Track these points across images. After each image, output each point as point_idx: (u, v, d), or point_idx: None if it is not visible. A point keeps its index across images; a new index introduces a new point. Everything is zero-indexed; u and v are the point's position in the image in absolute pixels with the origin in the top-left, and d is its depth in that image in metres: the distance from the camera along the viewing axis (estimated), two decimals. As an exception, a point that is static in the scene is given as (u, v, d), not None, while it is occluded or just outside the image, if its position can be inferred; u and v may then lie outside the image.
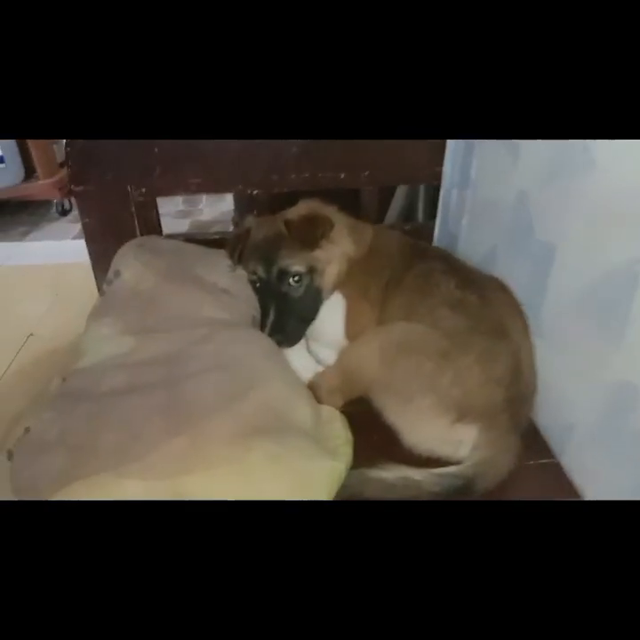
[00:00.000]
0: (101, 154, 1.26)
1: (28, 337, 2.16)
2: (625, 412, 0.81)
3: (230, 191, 1.50)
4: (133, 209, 1.32)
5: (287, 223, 1.11)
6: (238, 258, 1.18)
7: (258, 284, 1.16)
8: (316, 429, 0.95)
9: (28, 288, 2.55)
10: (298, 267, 1.11)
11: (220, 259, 1.22)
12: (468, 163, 1.26)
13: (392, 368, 0.97)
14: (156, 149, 1.25)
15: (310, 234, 1.10)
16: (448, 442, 0.93)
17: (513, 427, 0.94)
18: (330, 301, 1.16)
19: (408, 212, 1.79)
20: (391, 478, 0.86)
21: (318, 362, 1.16)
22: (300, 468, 0.84)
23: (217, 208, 3.19)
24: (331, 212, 1.17)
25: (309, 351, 1.19)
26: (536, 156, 1.00)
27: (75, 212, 2.93)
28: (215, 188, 1.34)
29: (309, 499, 0.82)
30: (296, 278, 1.11)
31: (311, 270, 1.12)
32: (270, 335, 1.09)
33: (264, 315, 1.13)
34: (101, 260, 1.28)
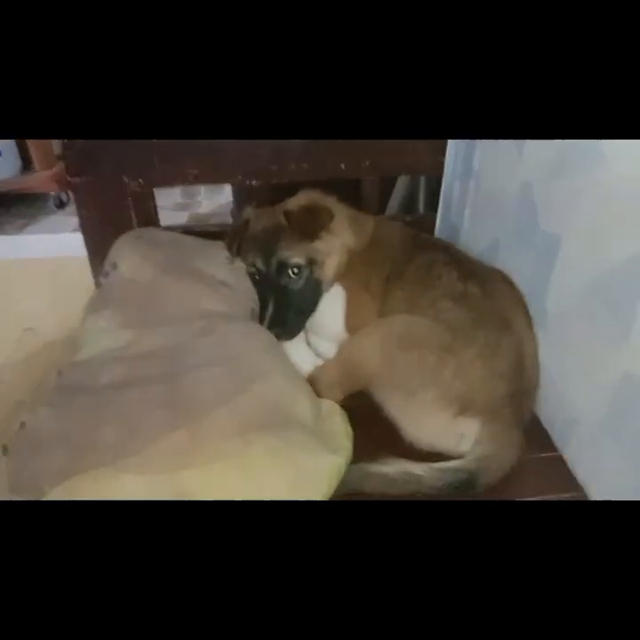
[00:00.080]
0: (98, 145, 1.24)
1: (25, 331, 2.15)
2: (631, 405, 0.80)
3: (229, 182, 1.48)
4: (130, 200, 1.30)
5: (286, 214, 1.10)
6: (237, 250, 1.17)
7: (257, 277, 1.14)
8: (316, 424, 0.94)
9: (26, 282, 2.53)
10: (297, 258, 1.09)
11: (219, 251, 1.20)
12: (470, 153, 1.25)
13: (393, 361, 0.96)
14: (154, 140, 1.23)
15: (310, 225, 1.09)
16: (450, 436, 0.92)
17: (515, 421, 0.93)
18: (330, 294, 1.15)
19: (409, 203, 1.78)
20: (392, 473, 0.85)
21: (318, 355, 1.15)
22: (300, 463, 0.83)
23: (216, 200, 3.16)
24: (331, 202, 1.16)
25: (309, 344, 1.17)
26: (542, 148, 0.98)
27: (73, 205, 2.90)
28: (213, 178, 1.33)
29: (309, 493, 0.82)
30: (295, 270, 1.10)
31: (311, 262, 1.10)
32: (269, 328, 1.08)
33: (263, 307, 1.12)
34: (98, 252, 1.26)
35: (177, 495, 0.77)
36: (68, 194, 3.03)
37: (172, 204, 3.15)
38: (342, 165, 1.31)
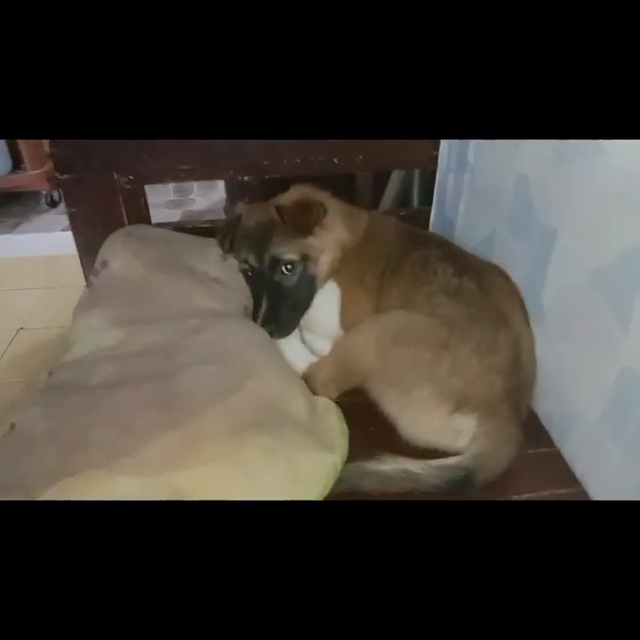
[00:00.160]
0: (87, 141, 1.22)
1: (18, 330, 2.13)
2: (629, 400, 0.79)
3: (220, 177, 1.47)
4: (121, 197, 1.28)
5: (279, 209, 1.08)
6: (229, 246, 1.15)
7: (249, 273, 1.13)
8: (311, 421, 0.93)
9: (18, 281, 2.52)
10: (290, 255, 1.08)
11: (211, 247, 1.19)
12: (465, 147, 1.24)
13: (389, 358, 0.95)
14: (143, 136, 1.21)
15: (303, 220, 1.07)
16: (447, 432, 0.91)
17: (513, 417, 0.92)
18: (324, 290, 1.13)
19: (403, 198, 1.77)
20: (389, 471, 0.85)
21: (313, 352, 1.13)
22: (296, 462, 0.83)
23: (209, 197, 3.14)
24: (324, 197, 1.14)
25: (303, 342, 1.16)
26: (539, 140, 0.96)
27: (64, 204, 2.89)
28: (205, 174, 1.31)
29: (305, 492, 0.81)
30: (289, 267, 1.08)
31: (304, 258, 1.09)
32: (263, 325, 1.07)
33: (256, 305, 1.10)
34: (89, 250, 1.24)
35: (171, 496, 0.76)
36: (59, 192, 3.01)
37: (164, 202, 3.13)
38: (335, 160, 1.29)
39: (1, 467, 0.83)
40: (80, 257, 1.32)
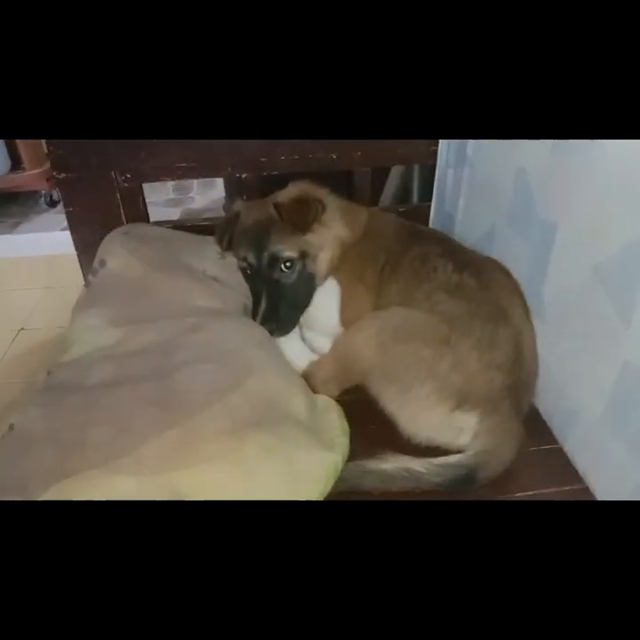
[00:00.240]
0: (85, 140, 1.21)
1: (19, 331, 2.13)
2: (632, 395, 0.79)
3: (218, 175, 1.46)
4: (119, 196, 1.28)
5: (277, 206, 1.07)
6: (227, 244, 1.14)
7: (248, 271, 1.12)
8: (312, 420, 0.93)
9: (18, 281, 2.52)
10: (289, 252, 1.07)
11: (209, 246, 1.18)
12: (464, 141, 1.23)
13: (389, 355, 0.95)
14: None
15: (302, 217, 1.06)
16: (448, 430, 0.90)
17: (515, 413, 0.91)
18: (323, 288, 1.12)
19: (403, 194, 1.76)
20: (391, 469, 0.84)
21: (313, 350, 1.13)
22: (296, 461, 0.82)
23: (208, 196, 3.13)
24: (323, 194, 1.13)
25: (303, 340, 1.16)
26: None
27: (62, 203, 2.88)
28: (202, 171, 1.30)
29: (305, 492, 0.81)
30: (288, 264, 1.08)
31: (303, 255, 1.08)
32: (262, 324, 1.06)
33: (255, 303, 1.10)
34: (87, 249, 1.24)
35: (170, 496, 0.76)
36: (58, 192, 3.00)
37: (164, 201, 3.12)
38: (334, 156, 1.28)
39: (0, 468, 0.83)
40: (78, 256, 1.32)
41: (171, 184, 3.19)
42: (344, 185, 1.37)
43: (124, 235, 1.19)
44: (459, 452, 0.88)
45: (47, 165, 2.81)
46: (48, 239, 2.72)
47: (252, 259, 1.09)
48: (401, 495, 0.83)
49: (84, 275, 1.29)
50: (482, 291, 0.99)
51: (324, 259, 1.11)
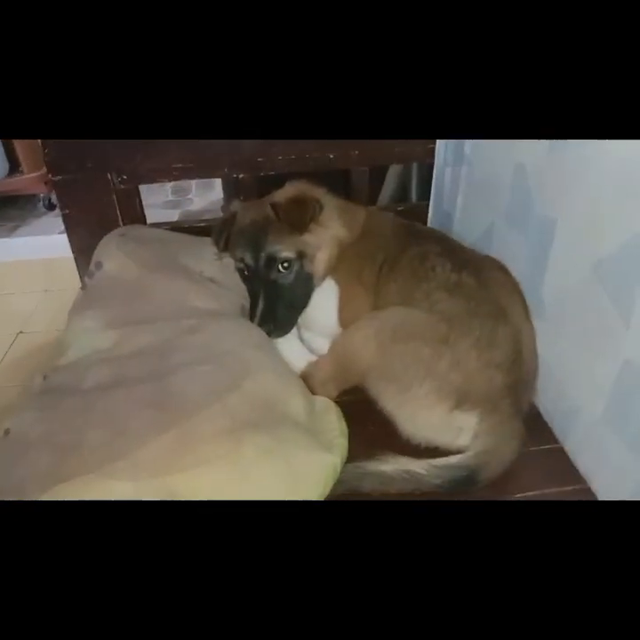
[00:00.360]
0: (80, 141, 1.21)
1: (17, 334, 2.13)
2: (633, 393, 0.78)
3: (215, 176, 1.45)
4: (115, 198, 1.27)
5: (274, 206, 1.06)
6: (224, 245, 1.13)
7: (245, 272, 1.11)
8: (310, 421, 0.92)
9: (17, 284, 2.51)
10: (287, 252, 1.06)
11: (206, 247, 1.18)
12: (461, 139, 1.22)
13: (388, 354, 0.94)
14: (136, 135, 1.20)
15: (299, 217, 1.06)
16: (447, 430, 0.90)
17: (515, 413, 0.91)
18: (322, 288, 1.12)
19: (401, 193, 1.75)
20: (390, 471, 0.83)
21: (311, 351, 1.12)
22: (294, 462, 0.81)
23: (207, 197, 3.13)
24: (320, 193, 1.13)
25: (302, 340, 1.15)
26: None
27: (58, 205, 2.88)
28: (199, 172, 1.29)
29: (304, 494, 0.80)
30: (285, 264, 1.07)
31: (301, 255, 1.07)
32: (260, 325, 1.05)
33: (253, 304, 1.09)
34: (84, 252, 1.24)
35: (168, 498, 0.75)
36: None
37: (162, 202, 3.11)
38: (331, 156, 1.28)
39: (-4, 473, 0.83)
40: (75, 259, 1.31)
41: (169, 186, 3.19)
42: (341, 184, 1.36)
43: (121, 237, 1.18)
44: (458, 452, 0.87)
45: (45, 168, 2.81)
46: (46, 242, 2.72)
47: (249, 259, 1.09)
48: (400, 496, 0.82)
49: (80, 277, 1.28)
50: (481, 290, 0.99)
51: (321, 259, 1.10)
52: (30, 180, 2.80)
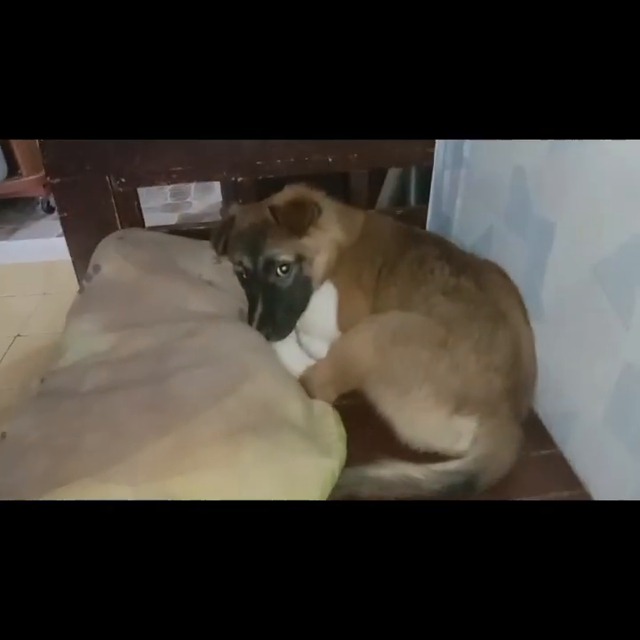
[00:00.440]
0: (78, 143, 1.21)
1: (15, 337, 2.12)
2: (632, 397, 0.78)
3: (214, 179, 1.45)
4: (114, 200, 1.27)
5: (273, 210, 1.06)
6: (223, 248, 1.13)
7: (244, 276, 1.11)
8: (308, 425, 0.91)
9: (15, 287, 2.51)
10: (285, 256, 1.06)
11: (205, 250, 1.17)
12: (460, 142, 1.22)
13: (387, 358, 0.94)
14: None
15: (297, 220, 1.05)
16: (446, 434, 0.89)
17: (514, 417, 0.90)
18: (320, 291, 1.12)
19: (400, 196, 1.75)
20: (389, 476, 0.83)
21: (310, 355, 1.12)
22: (292, 467, 0.81)
23: (206, 200, 3.13)
24: (319, 197, 1.13)
25: (300, 344, 1.14)
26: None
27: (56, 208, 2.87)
28: (198, 175, 1.29)
29: (301, 498, 0.80)
30: (284, 268, 1.07)
31: (299, 259, 1.07)
32: (259, 328, 1.05)
33: (251, 307, 1.09)
34: (82, 255, 1.24)
35: (166, 503, 0.75)
36: (55, 197, 3.00)
37: (161, 205, 3.12)
38: (330, 159, 1.28)
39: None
40: (73, 262, 1.31)
41: (168, 189, 3.19)
42: (340, 188, 1.36)
43: (119, 240, 1.18)
44: (458, 457, 0.87)
45: (44, 171, 2.81)
46: (45, 245, 2.72)
47: (247, 263, 1.08)
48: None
49: (78, 280, 1.28)
50: (479, 293, 0.98)
51: (320, 262, 1.10)
52: (29, 182, 2.80)
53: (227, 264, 1.14)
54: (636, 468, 0.78)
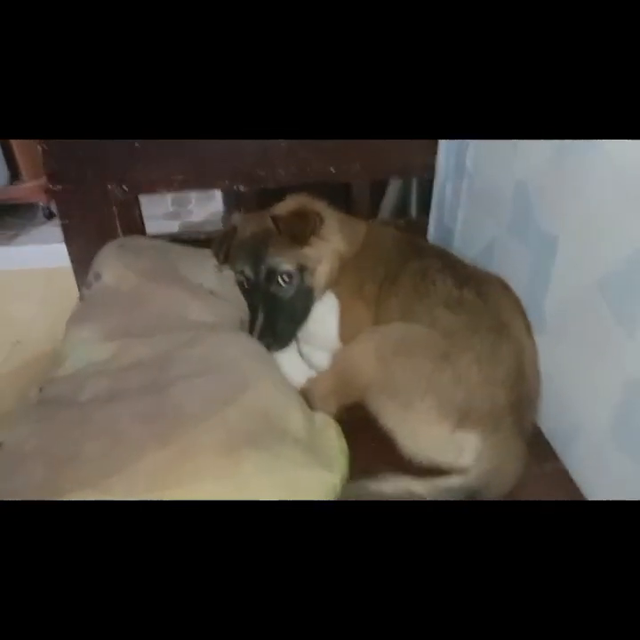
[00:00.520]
0: (80, 150, 1.22)
1: (15, 344, 2.11)
2: (638, 410, 0.77)
3: (215, 187, 1.46)
4: (115, 208, 1.27)
5: (275, 219, 1.06)
6: (224, 257, 1.13)
7: (246, 285, 1.11)
8: (309, 438, 0.90)
9: (16, 293, 2.50)
10: (287, 265, 1.06)
11: (206, 259, 1.17)
12: (462, 153, 1.22)
13: (389, 370, 0.93)
14: (137, 144, 1.20)
15: (299, 230, 1.05)
16: (449, 449, 0.88)
17: (518, 432, 0.89)
18: (322, 302, 1.11)
19: (402, 207, 1.75)
20: (391, 491, 0.81)
21: (311, 366, 1.11)
22: (293, 481, 0.80)
23: (207, 209, 3.12)
24: (321, 207, 1.13)
25: (302, 355, 1.14)
26: (538, 143, 0.94)
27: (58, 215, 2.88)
28: (200, 183, 1.30)
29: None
30: (285, 278, 1.06)
31: (301, 269, 1.07)
32: (259, 338, 1.04)
33: (253, 317, 1.08)
34: (83, 262, 1.24)
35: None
36: (56, 204, 3.00)
37: (162, 214, 3.11)
38: (331, 169, 1.28)
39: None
40: (74, 269, 1.31)
41: (169, 197, 3.18)
42: (342, 198, 1.36)
43: (120, 247, 1.18)
44: (460, 471, 0.85)
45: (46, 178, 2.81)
46: (46, 252, 2.70)
47: (249, 272, 1.08)
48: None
49: (79, 287, 1.28)
50: (482, 305, 0.98)
51: (322, 272, 1.10)
52: (30, 188, 2.78)
53: (228, 273, 1.14)
54: (637, 475, 0.77)
